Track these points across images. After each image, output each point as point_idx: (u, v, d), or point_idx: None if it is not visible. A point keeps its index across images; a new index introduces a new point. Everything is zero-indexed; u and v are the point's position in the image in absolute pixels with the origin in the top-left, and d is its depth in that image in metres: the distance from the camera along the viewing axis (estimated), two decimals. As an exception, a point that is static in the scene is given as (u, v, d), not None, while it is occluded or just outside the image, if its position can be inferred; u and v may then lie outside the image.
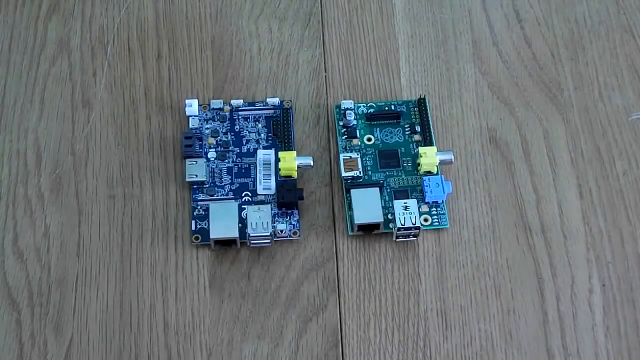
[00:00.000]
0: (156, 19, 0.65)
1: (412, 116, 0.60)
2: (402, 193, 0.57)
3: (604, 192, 0.58)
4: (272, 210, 0.56)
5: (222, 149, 0.59)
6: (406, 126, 0.60)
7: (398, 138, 0.60)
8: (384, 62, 0.63)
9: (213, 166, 0.58)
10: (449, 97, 0.62)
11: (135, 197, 0.58)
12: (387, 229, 0.56)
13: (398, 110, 0.60)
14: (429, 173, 0.58)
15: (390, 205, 0.57)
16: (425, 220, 0.56)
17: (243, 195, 0.58)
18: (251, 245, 0.56)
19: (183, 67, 0.62)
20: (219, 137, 0.60)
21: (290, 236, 0.56)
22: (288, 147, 0.59)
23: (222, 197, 0.57)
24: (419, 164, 0.58)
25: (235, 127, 0.60)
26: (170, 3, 0.65)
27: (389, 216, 0.56)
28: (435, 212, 0.57)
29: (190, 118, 0.60)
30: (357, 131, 0.60)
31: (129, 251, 0.56)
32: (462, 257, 0.56)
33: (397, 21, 0.65)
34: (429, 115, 0.60)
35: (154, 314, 0.54)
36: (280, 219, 0.57)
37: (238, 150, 0.59)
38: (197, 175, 0.57)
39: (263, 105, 0.61)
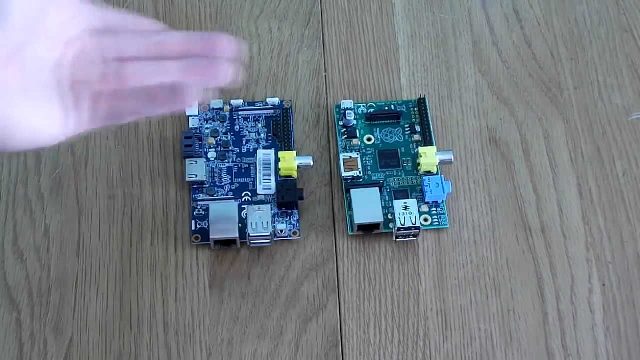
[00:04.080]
0: (156, 19, 0.64)
1: (412, 116, 0.60)
2: (402, 193, 0.57)
3: (604, 192, 0.58)
4: (272, 210, 0.56)
5: (222, 149, 0.59)
6: (406, 126, 0.60)
7: (398, 138, 0.60)
8: (384, 62, 0.63)
9: (213, 166, 0.58)
10: (449, 97, 0.62)
11: (135, 197, 0.58)
12: (387, 229, 0.56)
13: (398, 110, 0.60)
14: (429, 173, 0.58)
15: (390, 205, 0.57)
16: (425, 220, 0.56)
17: (243, 195, 0.58)
18: (251, 245, 0.56)
19: (183, 67, 0.62)
20: (219, 137, 0.60)
21: (290, 236, 0.56)
22: (288, 147, 0.59)
23: (222, 197, 0.57)
24: (419, 164, 0.58)
25: (235, 127, 0.60)
26: (170, 3, 0.65)
27: (389, 216, 0.56)
28: (435, 212, 0.57)
29: (190, 118, 0.60)
30: (357, 131, 0.60)
31: (129, 251, 0.56)
32: (462, 257, 0.56)
33: (397, 21, 0.65)
34: (429, 115, 0.60)
35: (154, 314, 0.54)
36: (280, 219, 0.57)
37: (238, 150, 0.59)
38: (197, 175, 0.57)
39: (263, 105, 0.61)
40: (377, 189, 0.56)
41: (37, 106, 0.43)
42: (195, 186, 0.58)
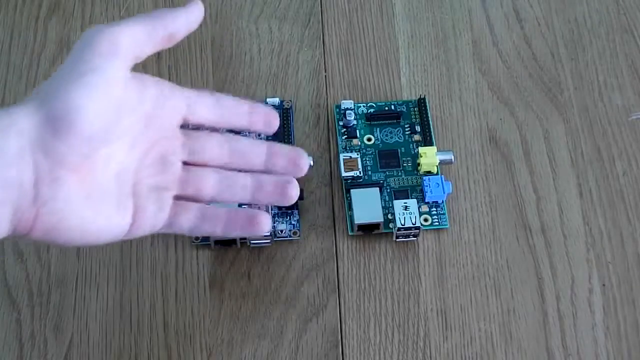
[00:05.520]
0: (156, 19, 0.64)
1: (412, 116, 0.60)
2: (402, 193, 0.57)
3: (604, 192, 0.58)
4: (272, 210, 0.56)
5: (222, 149, 0.59)
6: (406, 126, 0.60)
7: (398, 138, 0.60)
8: (384, 62, 0.63)
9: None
10: (449, 97, 0.62)
11: (135, 197, 0.58)
12: (387, 229, 0.56)
13: (398, 110, 0.60)
14: (429, 173, 0.58)
15: (390, 205, 0.57)
16: (425, 220, 0.56)
17: (243, 195, 0.58)
18: (251, 245, 0.56)
19: (183, 67, 0.62)
20: (219, 137, 0.59)
21: (290, 236, 0.56)
22: (288, 147, 0.59)
23: (222, 197, 0.57)
24: (419, 164, 0.58)
25: (235, 127, 0.60)
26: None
27: (389, 216, 0.56)
28: (435, 212, 0.57)
29: (190, 118, 0.60)
30: (357, 131, 0.60)
31: (129, 251, 0.56)
32: (462, 257, 0.56)
33: (397, 21, 0.65)
34: (429, 115, 0.60)
35: (154, 314, 0.54)
36: (280, 219, 0.56)
37: (238, 150, 0.59)
38: (197, 175, 0.57)
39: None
40: (377, 189, 0.56)
41: (103, 210, 0.43)
42: (195, 186, 0.58)
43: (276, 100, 0.60)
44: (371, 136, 0.60)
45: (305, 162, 0.49)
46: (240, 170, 0.48)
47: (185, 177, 0.46)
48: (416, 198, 0.57)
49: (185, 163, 0.47)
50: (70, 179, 0.41)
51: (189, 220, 0.46)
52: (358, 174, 0.57)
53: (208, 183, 0.47)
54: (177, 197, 0.47)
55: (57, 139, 0.40)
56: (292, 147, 0.50)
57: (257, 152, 0.48)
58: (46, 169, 0.40)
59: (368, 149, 0.59)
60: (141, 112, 0.44)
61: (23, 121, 0.40)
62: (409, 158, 0.59)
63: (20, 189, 0.40)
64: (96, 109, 0.41)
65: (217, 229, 0.47)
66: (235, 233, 0.48)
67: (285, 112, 0.60)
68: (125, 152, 0.44)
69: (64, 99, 0.40)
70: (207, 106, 0.47)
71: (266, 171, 0.49)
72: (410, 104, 0.61)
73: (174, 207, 0.46)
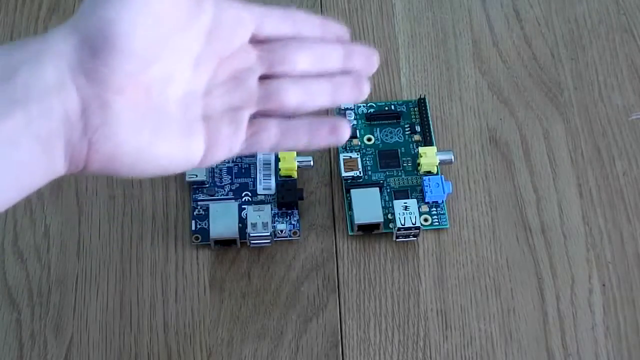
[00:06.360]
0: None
1: (412, 116, 0.60)
2: (402, 193, 0.57)
3: (604, 192, 0.58)
4: (272, 210, 0.56)
5: (222, 149, 0.59)
6: (406, 126, 0.60)
7: (398, 138, 0.60)
8: (384, 62, 0.63)
9: (213, 166, 0.58)
10: (449, 97, 0.62)
11: (135, 197, 0.58)
12: (387, 229, 0.56)
13: (398, 110, 0.60)
14: (429, 173, 0.58)
15: (390, 205, 0.57)
16: (425, 220, 0.56)
17: (243, 195, 0.58)
18: (251, 245, 0.56)
19: (183, 67, 0.62)
20: (219, 137, 0.59)
21: (290, 236, 0.56)
22: (288, 147, 0.59)
23: (222, 197, 0.57)
24: (419, 164, 0.58)
25: (235, 127, 0.60)
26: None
27: (389, 216, 0.56)
28: (435, 212, 0.57)
29: (190, 118, 0.60)
30: (357, 131, 0.60)
31: (129, 251, 0.56)
32: (462, 257, 0.56)
33: (397, 21, 0.65)
34: (429, 115, 0.60)
35: (154, 314, 0.54)
36: (280, 219, 0.57)
37: (238, 150, 0.59)
38: (197, 175, 0.57)
39: (263, 105, 0.61)
40: (377, 189, 0.56)
41: (166, 135, 0.40)
42: (195, 186, 0.58)
43: (276, 100, 0.60)
44: (371, 136, 0.60)
45: (377, 56, 0.47)
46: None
47: (265, 92, 0.43)
48: (416, 198, 0.57)
49: (262, 77, 0.44)
50: (120, 101, 0.38)
51: (270, 138, 0.43)
52: (358, 174, 0.57)
53: (291, 95, 0.44)
54: (256, 115, 0.44)
55: (96, 58, 0.37)
56: (363, 45, 0.47)
57: (337, 54, 0.45)
58: (91, 94, 0.37)
59: (368, 149, 0.59)
60: (198, 28, 0.41)
61: (59, 45, 0.37)
62: (409, 158, 0.59)
63: (67, 119, 0.37)
64: (133, 21, 0.38)
65: (300, 143, 0.44)
66: (317, 144, 0.45)
67: (285, 112, 0.60)
68: (189, 72, 0.41)
69: (97, 15, 0.37)
70: (276, 18, 0.44)
71: (342, 71, 0.46)
72: (410, 104, 0.61)
73: (252, 127, 0.43)
